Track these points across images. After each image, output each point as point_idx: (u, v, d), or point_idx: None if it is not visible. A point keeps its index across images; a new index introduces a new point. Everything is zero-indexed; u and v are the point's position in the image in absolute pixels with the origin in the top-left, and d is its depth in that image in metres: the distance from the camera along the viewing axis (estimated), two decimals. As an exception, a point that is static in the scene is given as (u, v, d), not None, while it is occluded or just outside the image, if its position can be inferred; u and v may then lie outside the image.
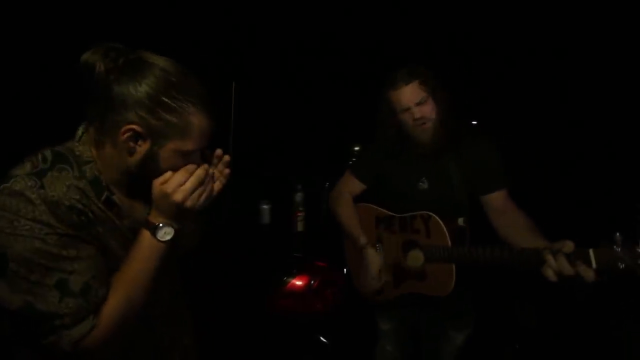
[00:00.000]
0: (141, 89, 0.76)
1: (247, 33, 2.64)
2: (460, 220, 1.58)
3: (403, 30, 2.77)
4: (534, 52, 2.76)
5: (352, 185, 1.78)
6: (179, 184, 0.83)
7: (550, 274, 1.13)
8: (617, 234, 1.04)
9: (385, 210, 1.71)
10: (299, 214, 2.60)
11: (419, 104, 1.49)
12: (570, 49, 2.66)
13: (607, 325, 2.22)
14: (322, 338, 2.25)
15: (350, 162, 1.87)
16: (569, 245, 1.12)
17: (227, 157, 0.98)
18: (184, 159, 0.85)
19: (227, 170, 0.97)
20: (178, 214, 0.86)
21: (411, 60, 1.57)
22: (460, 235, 1.56)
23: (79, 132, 0.85)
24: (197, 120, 0.81)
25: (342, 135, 2.93)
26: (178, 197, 0.83)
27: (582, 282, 1.08)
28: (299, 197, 2.63)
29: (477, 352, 1.86)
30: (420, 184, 1.62)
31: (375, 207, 1.74)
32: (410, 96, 1.49)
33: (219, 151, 0.97)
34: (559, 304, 2.44)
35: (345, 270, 2.08)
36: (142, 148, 0.80)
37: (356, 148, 2.86)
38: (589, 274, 1.07)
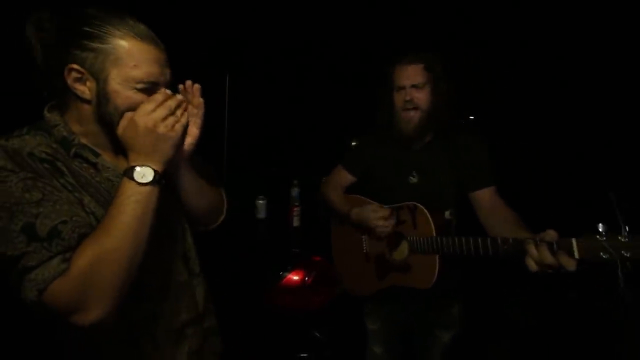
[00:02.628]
0: (66, 32, 0.79)
1: (242, 25, 2.61)
2: (447, 213, 1.58)
3: (402, 24, 2.75)
4: (523, 49, 2.75)
5: (342, 177, 1.79)
6: (147, 112, 0.80)
7: (531, 264, 1.12)
8: (600, 224, 1.02)
9: (374, 202, 1.69)
10: (295, 209, 2.59)
11: (414, 86, 1.47)
12: (558, 48, 2.65)
13: (599, 322, 2.23)
14: (317, 333, 2.25)
15: (344, 156, 1.85)
16: (551, 234, 1.11)
17: (197, 86, 0.94)
18: (143, 95, 0.83)
19: (200, 100, 0.93)
20: (153, 147, 0.81)
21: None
22: (446, 227, 1.55)
23: (47, 105, 0.88)
24: (129, 44, 0.80)
25: (339, 130, 2.92)
26: (148, 122, 0.79)
27: (564, 272, 1.07)
28: (295, 192, 2.62)
29: (466, 351, 1.86)
30: (411, 177, 1.61)
31: (364, 198, 1.75)
32: (410, 76, 1.47)
33: (188, 82, 0.94)
34: (550, 301, 2.45)
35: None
36: (90, 88, 0.81)
37: (354, 143, 2.85)
38: (570, 264, 1.05)
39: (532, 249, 1.11)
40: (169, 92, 0.86)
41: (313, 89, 3.01)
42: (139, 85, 0.81)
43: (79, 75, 0.80)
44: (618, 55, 2.46)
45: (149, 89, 0.83)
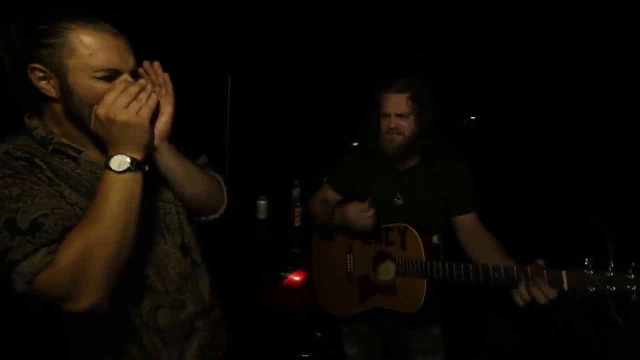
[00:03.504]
0: (27, 34, 0.82)
1: (244, 26, 2.61)
2: (435, 238, 1.58)
3: (402, 27, 2.75)
4: (523, 53, 2.74)
5: (327, 194, 1.78)
6: (109, 102, 0.81)
7: (521, 295, 1.17)
8: (587, 258, 1.07)
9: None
10: (296, 209, 2.59)
11: (399, 115, 1.52)
12: (558, 53, 2.65)
13: (584, 341, 2.22)
14: (318, 333, 2.25)
15: (328, 174, 1.83)
16: (539, 264, 1.15)
17: (156, 63, 0.95)
18: (105, 83, 0.83)
19: (165, 75, 0.94)
20: (123, 137, 0.82)
21: (409, 59, 1.56)
22: (435, 252, 1.54)
23: (27, 114, 0.91)
24: (83, 34, 0.81)
25: (340, 130, 2.92)
26: (112, 113, 0.80)
27: (547, 303, 1.12)
28: (296, 192, 2.62)
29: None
30: (396, 199, 1.63)
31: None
32: (395, 105, 1.52)
33: (145, 63, 0.94)
34: (536, 323, 2.42)
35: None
36: (54, 85, 0.83)
37: (355, 144, 2.85)
38: (553, 294, 1.11)
39: (523, 290, 1.16)
40: (128, 78, 0.86)
41: (314, 90, 3.01)
42: (98, 74, 0.82)
43: (42, 74, 0.82)
44: (616, 73, 2.46)
45: (110, 76, 0.84)
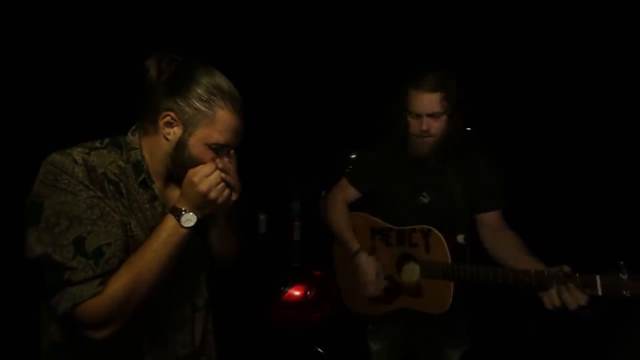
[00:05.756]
0: (179, 82, 0.90)
1: (241, 39, 2.64)
2: (460, 238, 1.53)
3: (399, 37, 2.78)
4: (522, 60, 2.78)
5: (347, 192, 1.71)
6: (205, 174, 0.90)
7: (547, 304, 1.16)
8: (621, 262, 1.05)
9: (381, 221, 1.64)
10: (295, 223, 2.59)
11: (431, 115, 1.42)
12: (557, 58, 2.68)
13: (609, 341, 2.20)
14: (319, 349, 2.23)
15: (347, 169, 1.77)
16: (566, 269, 1.14)
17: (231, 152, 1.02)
18: (212, 152, 0.92)
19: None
20: (202, 204, 0.91)
21: (408, 67, 1.52)
22: (460, 253, 1.51)
23: (134, 126, 0.98)
24: (224, 113, 0.91)
25: (339, 143, 2.93)
26: (203, 187, 0.89)
27: (577, 309, 1.11)
28: (295, 206, 2.62)
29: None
30: (422, 198, 1.57)
31: (370, 217, 1.68)
32: (427, 106, 1.42)
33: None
34: (559, 317, 2.41)
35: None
36: (176, 134, 0.91)
37: (353, 156, 2.86)
38: (583, 301, 1.10)
39: (553, 286, 1.14)
40: (226, 159, 0.94)
41: (313, 103, 3.03)
42: (214, 145, 0.91)
43: (172, 121, 0.90)
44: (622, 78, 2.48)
45: (220, 148, 0.93)
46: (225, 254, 1.12)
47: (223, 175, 0.92)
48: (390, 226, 1.61)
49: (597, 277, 1.08)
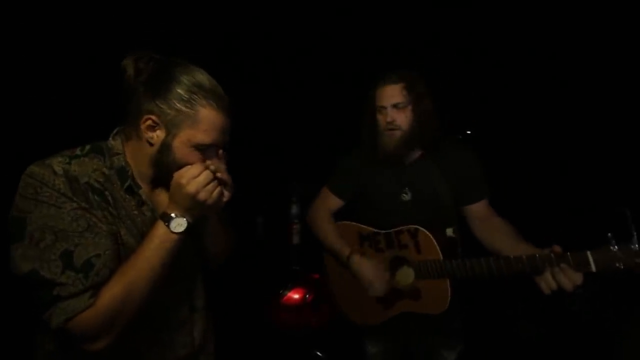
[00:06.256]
0: (158, 82, 0.86)
1: (241, 41, 2.65)
2: (449, 231, 1.54)
3: (399, 37, 2.79)
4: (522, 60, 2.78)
5: (330, 202, 1.70)
6: (193, 175, 0.87)
7: (544, 288, 1.14)
8: (609, 233, 1.05)
9: (368, 227, 1.62)
10: (294, 226, 2.58)
11: (395, 106, 1.47)
12: (556, 58, 2.69)
13: (603, 334, 2.20)
14: (318, 352, 2.22)
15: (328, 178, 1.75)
16: (558, 249, 1.13)
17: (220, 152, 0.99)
18: (198, 153, 0.89)
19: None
20: (192, 206, 0.88)
21: (408, 67, 1.54)
22: (451, 247, 1.51)
23: (115, 130, 0.95)
24: (207, 112, 0.87)
25: (338, 146, 2.93)
26: (191, 188, 0.86)
27: (572, 288, 1.10)
28: (294, 209, 2.62)
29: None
30: (403, 195, 1.56)
31: (356, 224, 1.65)
32: (389, 97, 1.47)
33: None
34: (553, 313, 2.42)
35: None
36: (159, 137, 0.88)
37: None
38: (579, 279, 1.09)
39: (549, 277, 1.13)
40: (215, 160, 0.92)
41: (312, 106, 3.03)
42: (200, 146, 0.88)
43: (154, 125, 0.87)
44: (620, 66, 2.49)
45: (206, 149, 0.90)
46: (218, 252, 1.11)
47: (218, 174, 0.90)
48: (377, 230, 1.59)
49: (589, 253, 1.08)
